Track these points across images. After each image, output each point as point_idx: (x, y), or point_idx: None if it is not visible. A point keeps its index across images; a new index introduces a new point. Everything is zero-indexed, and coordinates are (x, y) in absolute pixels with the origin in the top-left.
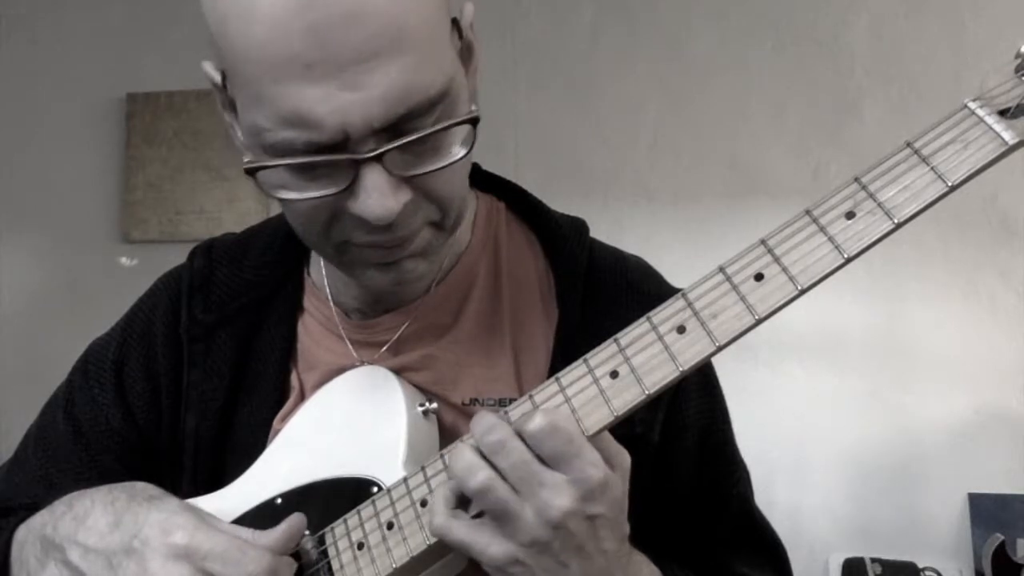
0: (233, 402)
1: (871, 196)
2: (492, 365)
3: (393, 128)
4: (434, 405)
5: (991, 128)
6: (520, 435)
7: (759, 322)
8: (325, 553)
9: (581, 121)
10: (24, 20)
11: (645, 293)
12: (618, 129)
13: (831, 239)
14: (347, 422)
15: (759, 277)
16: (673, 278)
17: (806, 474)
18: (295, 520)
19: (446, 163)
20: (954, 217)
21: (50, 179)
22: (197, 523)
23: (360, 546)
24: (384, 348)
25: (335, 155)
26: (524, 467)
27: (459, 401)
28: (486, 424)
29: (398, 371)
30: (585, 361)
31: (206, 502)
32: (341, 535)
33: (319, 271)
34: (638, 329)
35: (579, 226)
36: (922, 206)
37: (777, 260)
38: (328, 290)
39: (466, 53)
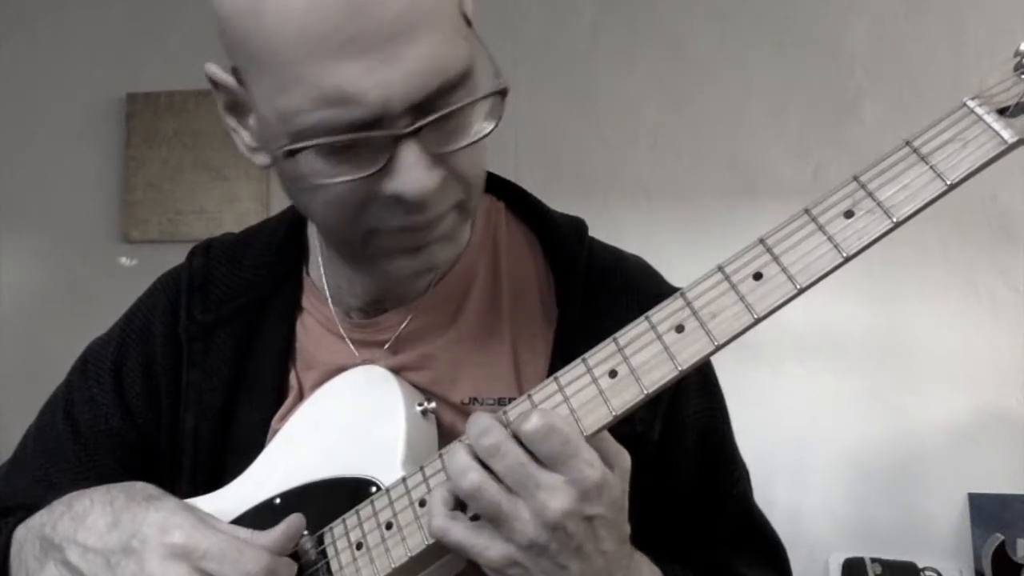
0: (232, 402)
1: (870, 195)
2: (491, 364)
3: (426, 104)
4: (432, 405)
5: (990, 127)
6: (517, 436)
7: (758, 321)
8: (324, 553)
9: (581, 121)
10: (24, 20)
11: (644, 292)
12: (618, 129)
13: (830, 238)
14: (346, 422)
15: (758, 276)
16: (673, 278)
17: (806, 474)
18: (294, 520)
19: (476, 139)
20: (954, 217)
21: (50, 179)
22: (195, 522)
23: (359, 546)
24: (383, 347)
25: (375, 132)
26: (520, 469)
27: (458, 400)
28: (480, 427)
29: (397, 370)
30: (584, 361)
31: (205, 502)
32: (340, 535)
33: (318, 271)
34: (637, 328)
35: (578, 226)
36: (921, 205)
37: (776, 259)
38: (327, 290)
39: (472, 38)
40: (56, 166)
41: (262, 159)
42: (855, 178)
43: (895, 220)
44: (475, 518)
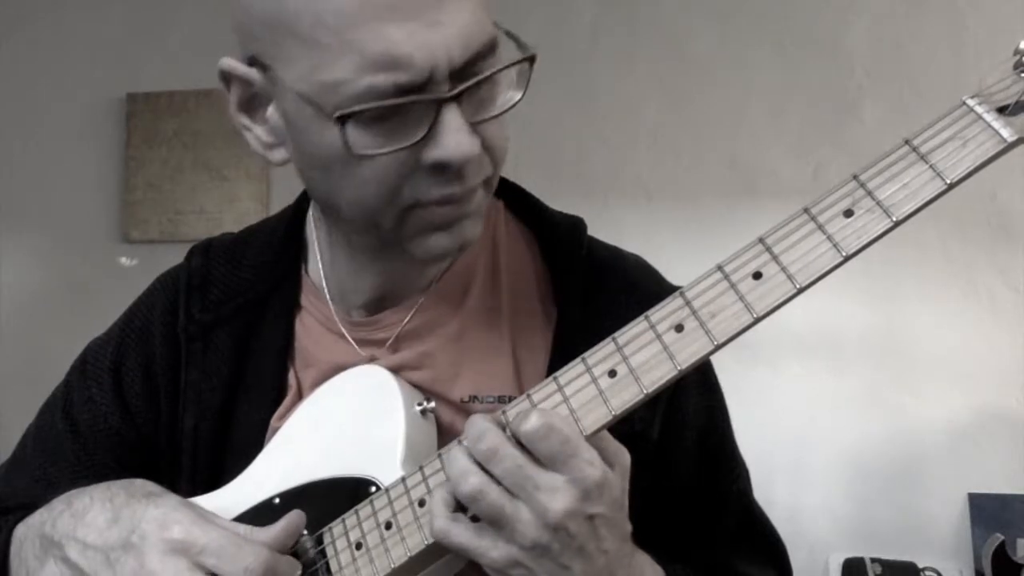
0: (231, 401)
1: (869, 194)
2: (491, 363)
3: (464, 71)
4: (432, 405)
5: (990, 125)
6: (516, 436)
7: (757, 321)
8: (323, 553)
9: (581, 121)
10: (24, 20)
11: (644, 292)
12: (618, 129)
13: (829, 237)
14: (345, 421)
15: (757, 276)
16: (672, 278)
17: (806, 474)
18: (294, 517)
19: (507, 107)
20: (953, 216)
21: (50, 179)
22: (194, 518)
23: (358, 546)
24: (383, 346)
25: (421, 95)
26: (518, 471)
27: (458, 399)
28: (477, 430)
29: (397, 368)
30: (583, 360)
31: (204, 501)
32: (339, 535)
33: (317, 270)
34: (636, 328)
35: (577, 225)
36: (921, 204)
37: (775, 259)
38: (327, 288)
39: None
40: (56, 166)
41: (279, 155)
42: (855, 177)
43: (895, 219)
44: (476, 519)
